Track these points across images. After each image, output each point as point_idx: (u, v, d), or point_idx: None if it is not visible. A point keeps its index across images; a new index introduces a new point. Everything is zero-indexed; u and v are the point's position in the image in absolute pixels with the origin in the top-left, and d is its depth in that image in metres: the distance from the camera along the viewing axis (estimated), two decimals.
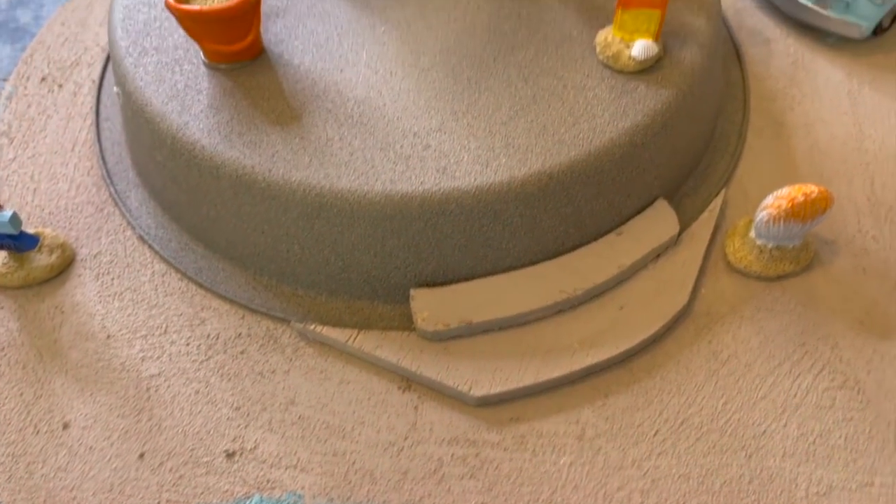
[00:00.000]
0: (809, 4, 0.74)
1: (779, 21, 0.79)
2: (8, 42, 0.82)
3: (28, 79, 0.76)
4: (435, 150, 0.57)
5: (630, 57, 0.60)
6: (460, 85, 0.60)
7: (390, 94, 0.60)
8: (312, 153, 0.56)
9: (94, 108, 0.73)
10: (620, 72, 0.61)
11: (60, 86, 0.75)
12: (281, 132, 0.58)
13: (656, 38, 0.60)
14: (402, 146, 0.57)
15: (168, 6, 0.57)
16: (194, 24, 0.58)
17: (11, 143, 0.71)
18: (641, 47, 0.59)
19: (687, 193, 0.66)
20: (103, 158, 0.69)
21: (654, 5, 0.59)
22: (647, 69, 0.61)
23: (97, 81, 0.75)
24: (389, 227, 0.56)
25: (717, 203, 0.65)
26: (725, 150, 0.69)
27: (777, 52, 0.77)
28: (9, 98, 0.74)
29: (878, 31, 0.76)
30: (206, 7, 0.57)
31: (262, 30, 0.63)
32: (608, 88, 0.60)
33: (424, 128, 0.58)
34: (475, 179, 0.55)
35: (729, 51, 0.77)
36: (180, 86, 0.60)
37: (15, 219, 0.58)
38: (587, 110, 0.58)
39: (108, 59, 0.76)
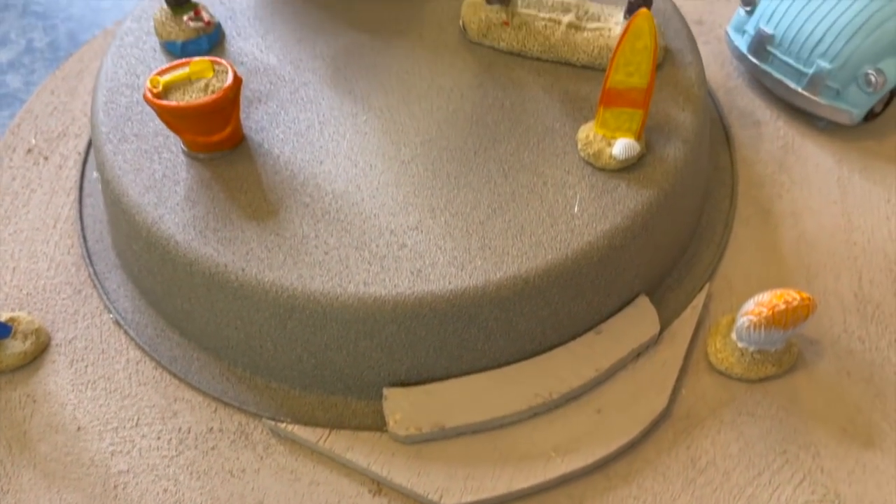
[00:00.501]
0: (800, 90, 0.74)
1: (770, 102, 0.78)
2: None
3: (14, 150, 0.76)
4: (411, 251, 0.56)
5: (611, 156, 0.59)
6: (440, 180, 0.60)
7: (369, 188, 0.59)
8: (287, 251, 0.56)
9: (77, 183, 0.73)
10: (602, 169, 0.60)
11: (46, 158, 0.75)
12: (256, 228, 0.57)
13: (638, 137, 0.59)
14: (377, 245, 0.56)
15: (146, 100, 0.57)
16: (173, 118, 0.57)
17: None
18: (623, 147, 0.59)
19: (671, 286, 0.65)
20: (84, 237, 0.69)
21: (637, 105, 0.58)
22: (628, 167, 0.60)
23: (83, 155, 0.75)
24: (362, 330, 0.55)
25: (700, 299, 0.64)
26: (711, 239, 0.68)
27: (767, 135, 0.76)
28: None
29: (870, 116, 0.75)
30: (183, 102, 0.57)
31: (244, 116, 0.63)
32: (588, 187, 0.59)
33: (401, 226, 0.57)
34: (450, 283, 0.54)
35: (718, 133, 0.76)
36: (158, 175, 0.60)
37: None
38: (566, 210, 0.58)
39: None
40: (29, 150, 0.76)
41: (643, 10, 0.54)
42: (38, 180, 0.73)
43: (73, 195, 0.72)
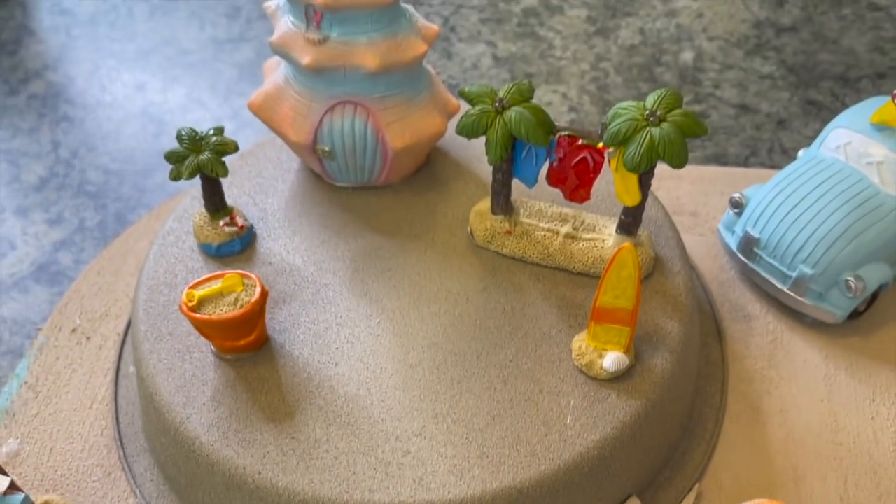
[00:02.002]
0: (785, 290, 0.79)
1: (759, 296, 0.83)
2: (46, 286, 0.90)
3: (60, 330, 0.83)
4: (414, 457, 0.60)
5: (602, 367, 0.64)
6: (444, 384, 0.65)
7: (378, 392, 0.65)
8: (300, 455, 0.61)
9: (115, 365, 0.79)
10: (594, 378, 0.65)
11: (88, 338, 0.82)
12: (274, 430, 0.62)
13: (627, 350, 0.65)
14: (383, 451, 0.61)
15: (182, 312, 0.63)
16: (205, 327, 0.64)
17: (37, 397, 0.77)
18: (612, 360, 0.64)
19: (661, 485, 0.69)
20: (117, 419, 0.75)
21: (624, 323, 0.64)
22: (619, 376, 0.65)
23: (121, 336, 0.81)
24: None
25: (689, 499, 0.67)
26: (702, 437, 0.72)
27: (757, 330, 0.81)
28: (40, 349, 0.81)
29: (855, 314, 0.79)
30: (214, 315, 0.63)
31: (269, 316, 0.70)
32: (581, 395, 0.64)
33: (406, 431, 0.62)
34: (448, 492, 0.59)
35: (710, 326, 0.81)
36: (188, 375, 0.66)
37: (27, 502, 0.63)
38: (559, 420, 0.62)
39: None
40: (73, 330, 0.83)
41: (626, 245, 0.61)
42: (80, 360, 0.80)
43: (110, 376, 0.78)
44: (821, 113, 1.07)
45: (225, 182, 0.78)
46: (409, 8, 0.76)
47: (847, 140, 0.80)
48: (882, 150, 0.78)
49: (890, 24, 1.20)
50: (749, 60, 1.16)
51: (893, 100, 0.78)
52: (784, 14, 1.23)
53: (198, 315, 0.63)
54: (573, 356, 0.66)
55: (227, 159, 0.73)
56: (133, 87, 1.16)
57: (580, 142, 0.68)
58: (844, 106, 1.08)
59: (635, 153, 0.63)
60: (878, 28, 1.20)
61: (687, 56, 1.17)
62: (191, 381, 0.66)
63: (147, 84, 1.16)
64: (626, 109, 0.65)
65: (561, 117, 1.09)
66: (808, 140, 1.03)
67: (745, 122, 1.07)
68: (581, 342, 0.66)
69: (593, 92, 1.12)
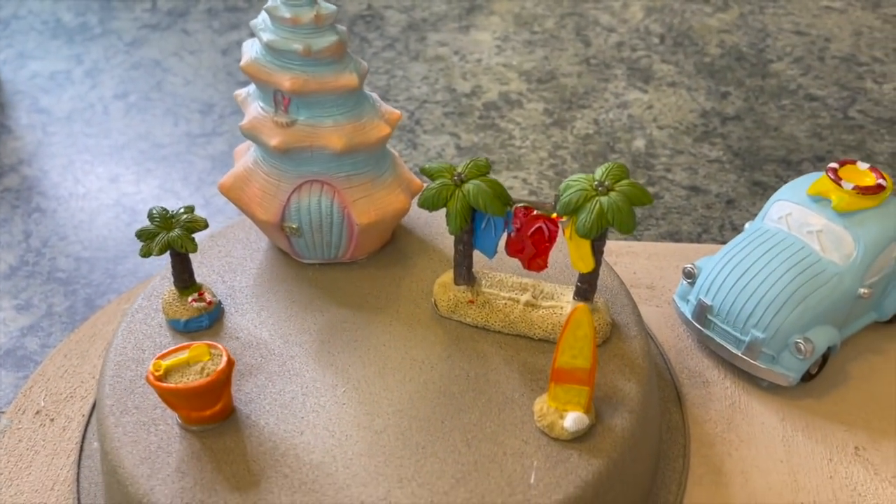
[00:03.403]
0: (740, 354, 0.82)
1: (717, 362, 0.86)
2: (12, 370, 0.90)
3: (24, 412, 0.82)
4: None
5: (563, 427, 0.65)
6: (409, 449, 0.66)
7: (343, 458, 0.65)
8: None
9: (78, 445, 0.78)
10: (556, 439, 0.66)
11: (52, 420, 0.81)
12: (239, 499, 0.62)
13: (587, 410, 0.66)
14: None
15: (149, 382, 0.64)
16: (171, 397, 0.65)
17: None
18: (573, 420, 0.65)
19: None
20: (79, 500, 0.73)
21: (583, 383, 0.65)
22: (580, 436, 0.66)
23: (86, 417, 0.81)
24: None
25: None
26: (666, 500, 0.73)
27: (715, 395, 0.83)
28: (2, 432, 0.80)
29: (807, 377, 0.82)
30: (180, 384, 0.64)
31: (235, 388, 0.70)
32: (544, 456, 0.65)
33: (371, 496, 0.62)
34: None
35: (670, 392, 0.83)
36: (153, 447, 0.66)
37: None
38: (523, 480, 0.63)
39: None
40: (37, 412, 0.82)
41: (580, 305, 0.63)
42: (43, 442, 0.79)
43: (73, 457, 0.78)
44: (766, 192, 1.13)
45: (194, 261, 0.80)
46: (373, 94, 0.81)
47: (788, 211, 0.85)
48: (821, 219, 0.83)
49: (826, 113, 1.29)
50: (698, 146, 1.23)
51: (827, 173, 0.84)
52: (728, 105, 1.32)
53: (164, 384, 0.64)
54: (535, 418, 0.67)
55: (198, 240, 0.75)
56: (107, 179, 1.19)
57: (535, 212, 0.71)
58: None
59: (586, 220, 0.67)
60: (816, 116, 1.28)
61: (639, 143, 1.24)
62: (156, 452, 0.66)
63: (121, 176, 1.19)
64: (576, 181, 0.69)
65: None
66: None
67: (696, 202, 1.13)
68: (542, 404, 0.67)
69: (551, 177, 1.18)
